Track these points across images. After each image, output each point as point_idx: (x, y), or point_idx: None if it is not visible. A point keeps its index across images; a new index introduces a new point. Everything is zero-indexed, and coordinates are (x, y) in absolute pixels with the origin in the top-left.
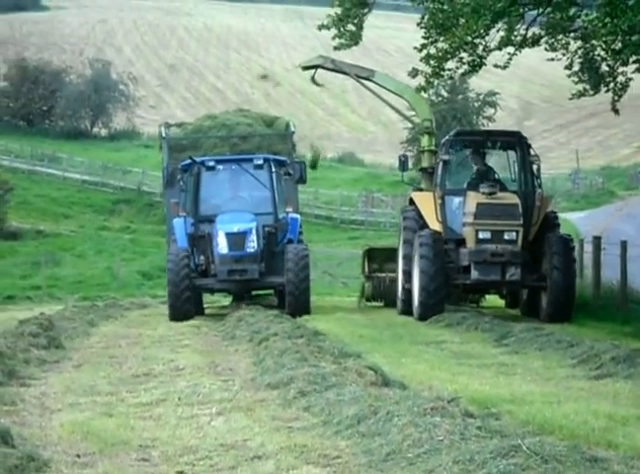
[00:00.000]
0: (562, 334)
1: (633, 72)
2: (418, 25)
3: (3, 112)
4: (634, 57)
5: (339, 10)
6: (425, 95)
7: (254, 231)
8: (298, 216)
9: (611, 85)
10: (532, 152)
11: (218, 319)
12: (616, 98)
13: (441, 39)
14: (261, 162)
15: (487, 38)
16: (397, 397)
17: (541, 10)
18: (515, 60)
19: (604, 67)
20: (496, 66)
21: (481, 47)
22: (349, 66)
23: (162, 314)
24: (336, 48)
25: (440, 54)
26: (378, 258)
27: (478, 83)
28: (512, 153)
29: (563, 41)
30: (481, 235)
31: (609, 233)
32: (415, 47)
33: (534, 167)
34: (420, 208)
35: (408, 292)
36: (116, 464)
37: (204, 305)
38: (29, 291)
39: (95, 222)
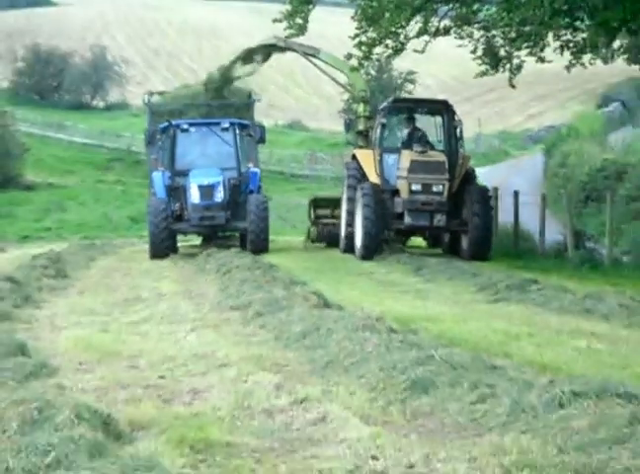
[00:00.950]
0: (468, 266)
1: (526, 56)
2: (352, 17)
3: (20, 87)
4: (526, 44)
5: (289, 7)
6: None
7: (221, 183)
8: (258, 170)
9: (508, 66)
10: (456, 118)
11: (191, 256)
12: (512, 76)
13: (371, 29)
14: (227, 125)
15: (407, 28)
16: (335, 317)
17: (451, 5)
18: (430, 46)
19: (502, 52)
20: (415, 51)
21: (402, 36)
22: (298, 45)
23: (147, 251)
24: (287, 37)
25: (369, 42)
26: (322, 206)
27: (400, 64)
28: (439, 118)
29: (468, 31)
30: (413, 187)
31: (505, 184)
32: (349, 36)
33: (458, 130)
34: (361, 163)
35: (350, 234)
36: (110, 370)
37: (178, 244)
38: (41, 232)
39: (93, 177)
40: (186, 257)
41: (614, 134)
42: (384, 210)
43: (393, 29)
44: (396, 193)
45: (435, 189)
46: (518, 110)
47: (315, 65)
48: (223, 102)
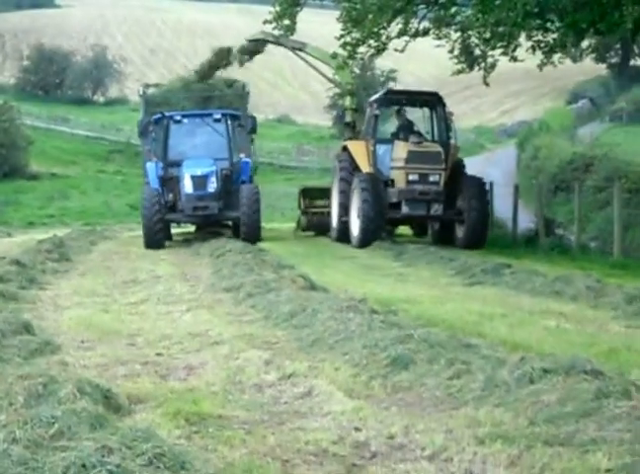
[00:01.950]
0: (445, 252)
1: (499, 55)
2: (337, 19)
3: (26, 83)
4: (500, 44)
5: (278, 8)
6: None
7: (214, 174)
8: (249, 160)
9: (482, 65)
10: (447, 109)
11: (186, 241)
12: (486, 74)
13: (355, 30)
14: (219, 116)
15: (389, 29)
16: (321, 298)
17: (430, 8)
18: (410, 46)
19: (477, 52)
20: (396, 50)
21: (384, 36)
22: (285, 39)
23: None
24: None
25: (353, 42)
26: (311, 195)
27: (382, 63)
28: (430, 109)
29: (446, 32)
30: (411, 177)
31: (480, 176)
32: (335, 36)
33: (449, 121)
34: (353, 155)
35: (343, 224)
36: (110, 348)
37: (173, 231)
38: (45, 219)
39: (95, 167)
40: (181, 242)
41: (583, 129)
42: (380, 199)
43: (376, 30)
44: (389, 183)
45: (431, 178)
46: (492, 106)
47: (302, 59)
48: (217, 93)
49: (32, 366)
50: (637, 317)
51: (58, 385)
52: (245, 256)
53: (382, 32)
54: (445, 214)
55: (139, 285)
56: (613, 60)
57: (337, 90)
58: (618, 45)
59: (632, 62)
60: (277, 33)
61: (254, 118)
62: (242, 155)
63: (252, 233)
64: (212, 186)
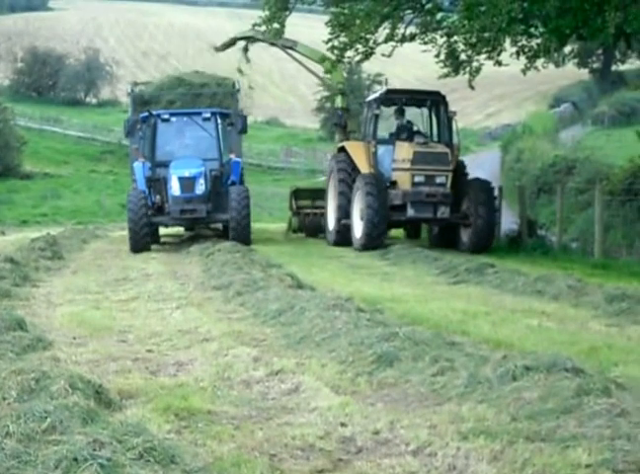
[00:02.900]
0: (430, 252)
1: (484, 59)
2: (326, 23)
3: (20, 85)
4: (485, 49)
5: (268, 12)
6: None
7: (202, 175)
8: (240, 160)
9: (468, 69)
10: (449, 109)
11: (176, 241)
12: (471, 78)
13: (343, 34)
14: (208, 115)
15: (376, 34)
16: (308, 296)
17: (416, 14)
18: (397, 50)
19: (463, 56)
20: (383, 55)
21: (372, 41)
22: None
23: None
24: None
25: (341, 46)
26: (303, 196)
27: (369, 67)
28: (432, 109)
29: (432, 37)
30: (416, 179)
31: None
32: (323, 40)
33: (452, 121)
34: (352, 155)
35: (344, 226)
36: (102, 344)
37: (161, 233)
38: (38, 217)
39: (87, 167)
40: (171, 241)
41: (565, 132)
42: (385, 203)
43: (363, 34)
44: (391, 185)
45: (438, 180)
46: (477, 109)
47: (293, 57)
48: (207, 91)
49: (24, 362)
50: (617, 316)
51: (51, 380)
52: (234, 255)
53: (370, 36)
54: (451, 217)
55: (130, 283)
56: (595, 65)
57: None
58: (600, 51)
59: (614, 67)
60: (265, 37)
61: (244, 117)
62: (232, 155)
63: (241, 236)
64: (201, 188)
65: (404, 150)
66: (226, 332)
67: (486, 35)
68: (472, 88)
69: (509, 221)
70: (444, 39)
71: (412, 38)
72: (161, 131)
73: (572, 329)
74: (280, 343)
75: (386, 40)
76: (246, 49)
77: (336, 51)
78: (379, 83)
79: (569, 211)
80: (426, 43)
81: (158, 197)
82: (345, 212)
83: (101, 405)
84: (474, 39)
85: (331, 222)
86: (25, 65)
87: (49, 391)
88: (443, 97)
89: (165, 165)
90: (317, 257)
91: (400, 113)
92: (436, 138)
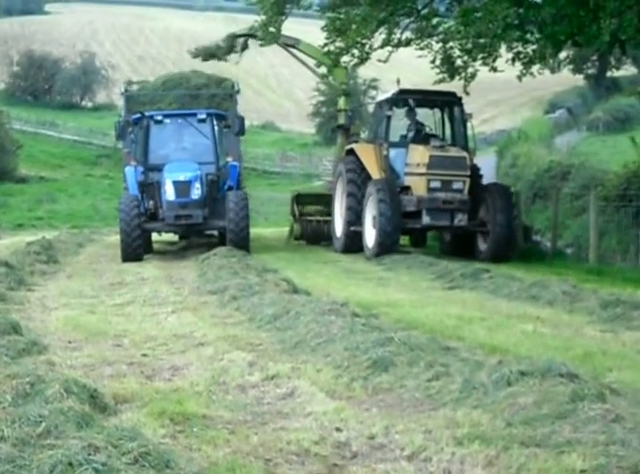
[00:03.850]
0: (425, 257)
1: (480, 65)
2: (322, 28)
3: (16, 89)
4: (480, 55)
5: (264, 17)
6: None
7: (198, 179)
8: (237, 164)
9: (463, 74)
10: (465, 110)
11: (172, 244)
12: (467, 84)
13: (339, 39)
14: (204, 116)
15: (372, 39)
16: (303, 301)
17: (412, 19)
18: (392, 56)
19: (459, 62)
20: (379, 60)
21: (367, 46)
22: None
23: None
24: (261, 45)
25: (337, 51)
26: (306, 202)
27: (365, 72)
28: (446, 110)
29: (428, 43)
30: (432, 184)
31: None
32: (319, 45)
33: (468, 124)
34: (361, 159)
35: (354, 233)
36: (97, 348)
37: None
38: (33, 221)
39: (82, 171)
40: (166, 245)
41: (560, 138)
42: (399, 209)
43: (359, 40)
44: (403, 190)
45: (455, 186)
46: (472, 114)
47: (294, 56)
48: (205, 92)
49: (19, 366)
50: (612, 322)
51: (45, 385)
52: (230, 260)
53: (366, 42)
54: (468, 225)
55: (126, 287)
56: (590, 71)
57: (320, 98)
58: (595, 57)
59: (608, 73)
60: (260, 41)
61: (242, 119)
62: (229, 158)
63: (240, 243)
64: (197, 192)
65: (419, 154)
66: (222, 336)
67: (482, 40)
68: (467, 93)
69: None
70: (440, 44)
71: (408, 43)
72: (154, 134)
73: (566, 334)
74: (275, 347)
75: (382, 46)
76: (244, 48)
77: (332, 56)
78: (374, 88)
79: (564, 217)
80: (422, 49)
81: (151, 202)
82: (354, 215)
83: (96, 409)
84: (470, 45)
85: (339, 228)
86: (21, 69)
87: (44, 395)
88: (459, 98)
89: (158, 169)
90: (313, 262)
91: (413, 114)
92: (449, 142)
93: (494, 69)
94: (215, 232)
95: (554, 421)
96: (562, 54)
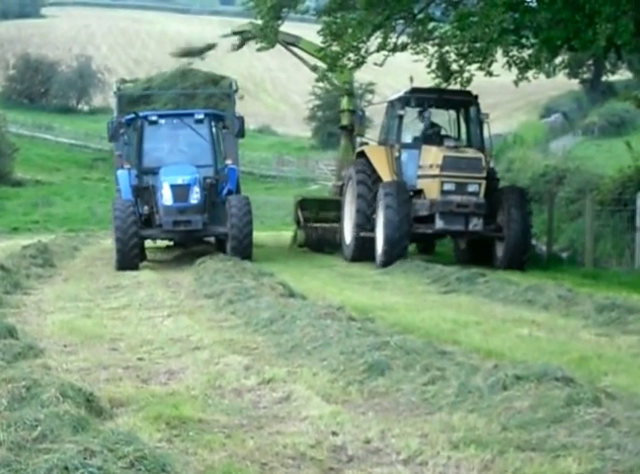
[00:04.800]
0: (420, 261)
1: (475, 70)
2: (318, 32)
3: (12, 92)
4: (476, 59)
5: (260, 21)
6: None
7: (197, 182)
8: (236, 168)
9: (459, 79)
10: (482, 110)
11: (168, 248)
12: (462, 88)
13: (335, 43)
14: (201, 116)
15: (368, 43)
16: (299, 305)
17: (408, 24)
18: (388, 59)
19: (455, 66)
20: (375, 64)
21: (363, 50)
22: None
23: None
24: (258, 50)
25: (333, 55)
26: (310, 207)
27: (361, 76)
28: (461, 110)
29: (424, 47)
30: (446, 187)
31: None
32: (315, 49)
33: (484, 124)
34: (372, 161)
35: (363, 239)
36: (93, 352)
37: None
38: (29, 225)
39: (79, 174)
40: (162, 248)
41: (556, 142)
42: (409, 214)
43: (355, 43)
44: (416, 194)
45: (470, 188)
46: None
47: (295, 54)
48: (202, 91)
49: (15, 370)
50: (607, 326)
51: (41, 389)
52: (226, 263)
53: (362, 46)
54: (484, 230)
55: (122, 291)
56: (586, 76)
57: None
58: (591, 62)
59: (604, 78)
60: (258, 45)
61: (242, 120)
62: (228, 161)
63: (242, 250)
64: (196, 196)
65: (432, 155)
66: (217, 340)
67: (477, 45)
68: None
69: None
70: (436, 49)
71: (403, 47)
72: (148, 135)
73: (562, 338)
74: (271, 351)
75: (378, 50)
76: (241, 45)
77: (328, 60)
78: (370, 92)
79: (559, 221)
80: (417, 54)
81: (146, 207)
82: (364, 218)
83: (92, 413)
84: (466, 50)
85: (348, 235)
86: (17, 72)
87: (40, 399)
88: (475, 96)
89: (153, 172)
90: (308, 266)
91: (426, 114)
92: (465, 143)
93: (490, 74)
94: (212, 239)
95: (550, 425)
96: (558, 59)
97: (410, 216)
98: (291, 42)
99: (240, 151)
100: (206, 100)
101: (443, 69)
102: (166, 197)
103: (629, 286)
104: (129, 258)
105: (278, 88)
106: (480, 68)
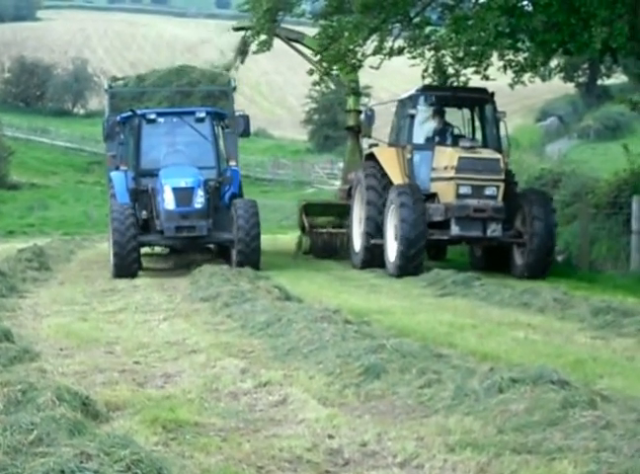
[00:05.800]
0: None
1: (472, 73)
2: (314, 36)
3: (7, 95)
4: (472, 63)
5: (256, 25)
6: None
7: (201, 185)
8: (239, 169)
9: (455, 83)
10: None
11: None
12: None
13: (331, 46)
14: (203, 115)
15: (364, 47)
16: (295, 308)
17: (404, 27)
18: (384, 63)
19: (451, 70)
20: (371, 67)
21: (360, 54)
22: (280, 29)
23: None
24: (254, 52)
25: (329, 58)
26: (315, 212)
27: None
28: (475, 109)
29: (420, 51)
30: (462, 190)
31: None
32: (311, 53)
33: (501, 124)
34: (382, 164)
35: (374, 246)
36: (89, 355)
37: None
38: (25, 228)
39: (74, 178)
40: (158, 252)
41: (551, 146)
42: (423, 218)
43: (351, 47)
44: (429, 198)
45: (488, 192)
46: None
47: (298, 51)
48: (199, 88)
49: (11, 374)
50: (602, 329)
51: (37, 392)
52: (222, 266)
53: (358, 49)
54: (503, 236)
55: (118, 294)
56: (581, 79)
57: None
58: (586, 65)
59: (599, 81)
60: (254, 48)
61: (247, 118)
62: (232, 163)
63: (250, 256)
64: (200, 200)
65: (446, 156)
66: (214, 343)
67: (473, 48)
68: None
69: None
70: (432, 52)
71: (400, 51)
72: (146, 134)
73: (558, 341)
74: (267, 354)
75: (374, 53)
76: (243, 52)
77: (324, 64)
78: (367, 95)
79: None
80: (414, 57)
81: (144, 212)
82: (374, 226)
83: (88, 417)
84: (461, 53)
85: (357, 242)
86: (12, 75)
87: (36, 403)
88: (492, 94)
89: (151, 174)
90: (304, 269)
91: (439, 113)
92: (481, 143)
93: (485, 77)
94: (212, 247)
95: (545, 427)
96: (553, 62)
97: (425, 217)
98: (295, 39)
99: None
100: (203, 98)
101: (440, 73)
102: (168, 202)
103: (624, 289)
104: (128, 263)
105: (274, 91)
106: (476, 72)
